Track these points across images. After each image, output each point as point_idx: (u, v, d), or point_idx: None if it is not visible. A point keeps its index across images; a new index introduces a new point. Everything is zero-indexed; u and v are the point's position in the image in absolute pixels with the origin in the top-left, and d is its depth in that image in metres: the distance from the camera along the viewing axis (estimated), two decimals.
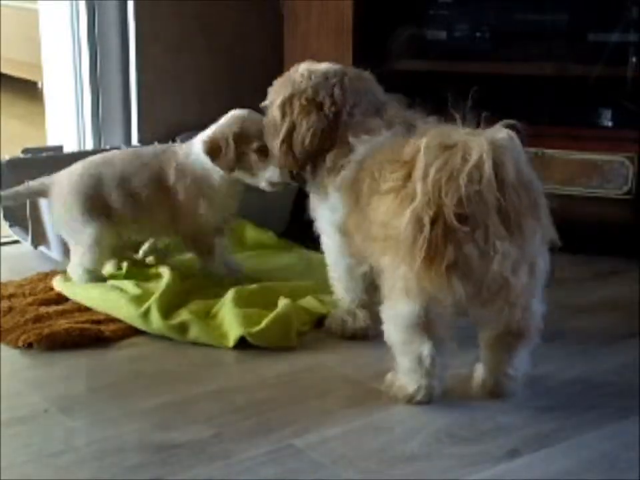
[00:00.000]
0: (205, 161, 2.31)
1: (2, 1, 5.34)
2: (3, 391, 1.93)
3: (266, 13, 3.26)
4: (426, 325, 1.77)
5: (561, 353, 2.03)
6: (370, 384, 1.95)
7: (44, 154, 2.92)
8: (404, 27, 2.91)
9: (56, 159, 2.90)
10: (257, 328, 2.11)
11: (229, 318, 2.16)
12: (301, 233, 2.43)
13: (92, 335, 2.14)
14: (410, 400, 1.84)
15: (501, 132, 1.67)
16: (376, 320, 2.04)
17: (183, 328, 2.15)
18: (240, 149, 2.27)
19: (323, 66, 2.13)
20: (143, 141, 3.16)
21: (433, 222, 1.63)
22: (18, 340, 2.11)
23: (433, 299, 1.73)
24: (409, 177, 1.70)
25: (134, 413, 1.84)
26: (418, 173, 1.65)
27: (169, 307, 2.23)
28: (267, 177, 2.29)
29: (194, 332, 2.14)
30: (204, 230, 2.39)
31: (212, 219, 2.38)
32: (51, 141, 3.29)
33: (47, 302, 2.31)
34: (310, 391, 1.95)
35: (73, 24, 3.13)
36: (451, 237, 1.64)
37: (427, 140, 1.66)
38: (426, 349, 1.79)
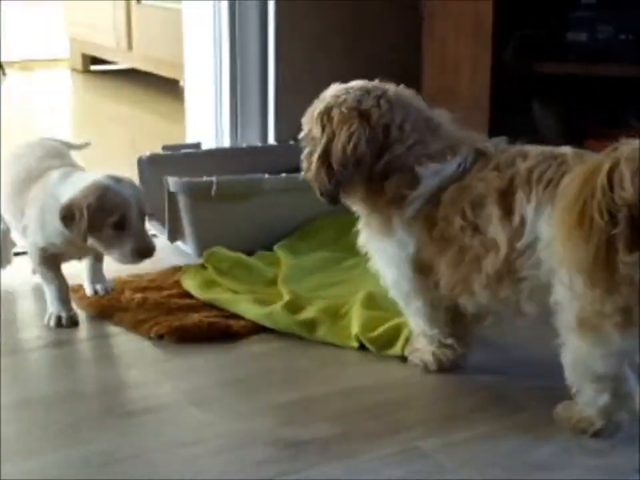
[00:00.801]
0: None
1: (147, 1, 5.48)
2: (136, 379, 1.99)
3: (405, 14, 3.26)
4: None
5: None
6: (497, 389, 1.93)
7: (182, 151, 2.98)
8: (543, 28, 2.86)
9: (193, 156, 2.96)
10: (372, 334, 2.11)
11: (355, 319, 2.17)
12: None
13: (221, 329, 2.18)
14: (598, 435, 1.74)
15: None
16: (466, 347, 2.00)
17: (311, 325, 2.17)
18: (95, 222, 2.10)
19: (358, 82, 1.95)
20: (279, 139, 3.20)
21: None
22: (150, 331, 2.17)
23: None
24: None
25: (262, 408, 1.86)
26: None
27: (297, 304, 2.26)
28: (122, 251, 2.13)
29: (322, 331, 2.15)
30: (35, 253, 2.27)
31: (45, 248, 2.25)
32: (190, 138, 3.36)
33: (181, 295, 2.36)
34: (437, 394, 1.94)
35: (214, 23, 3.19)
36: None
37: None
38: (630, 384, 1.71)
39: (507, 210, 1.74)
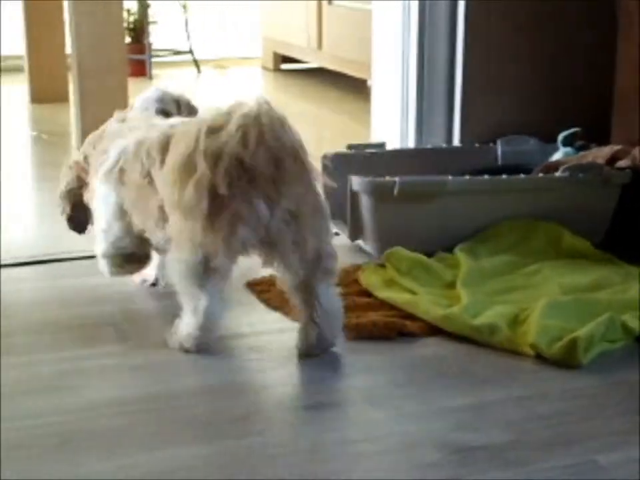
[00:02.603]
0: None
1: (338, 1, 5.55)
2: (310, 375, 2.01)
3: (597, 14, 3.17)
4: None
5: None
6: None
7: (366, 150, 3.00)
8: None
9: (377, 156, 2.98)
10: (550, 343, 2.05)
11: (534, 327, 2.12)
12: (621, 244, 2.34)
13: (396, 329, 2.16)
14: None
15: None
16: None
17: (488, 330, 2.13)
18: None
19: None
20: (464, 141, 3.18)
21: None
22: None
23: None
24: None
25: (434, 411, 1.85)
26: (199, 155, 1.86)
27: (475, 308, 2.23)
28: None
29: (499, 336, 2.11)
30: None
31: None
32: (375, 138, 3.38)
33: (359, 293, 2.37)
34: (618, 408, 1.87)
35: (403, 24, 3.20)
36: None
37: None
38: None
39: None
